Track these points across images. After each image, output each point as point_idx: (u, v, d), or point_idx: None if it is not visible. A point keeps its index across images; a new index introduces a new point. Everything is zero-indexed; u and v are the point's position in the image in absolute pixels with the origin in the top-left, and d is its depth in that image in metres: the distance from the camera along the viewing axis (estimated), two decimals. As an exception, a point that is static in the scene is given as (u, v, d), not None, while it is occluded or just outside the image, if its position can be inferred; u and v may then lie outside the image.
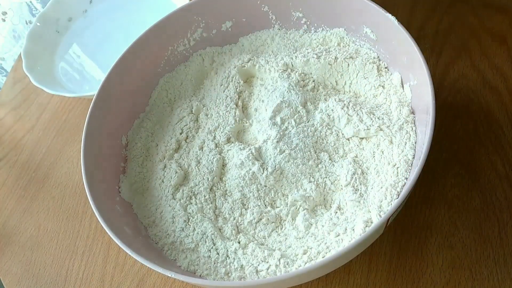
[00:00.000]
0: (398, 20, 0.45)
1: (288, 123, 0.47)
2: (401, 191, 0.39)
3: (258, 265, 0.40)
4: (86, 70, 0.70)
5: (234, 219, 0.44)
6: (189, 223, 0.44)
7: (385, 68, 0.49)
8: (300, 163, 0.44)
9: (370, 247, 0.42)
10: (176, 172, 0.47)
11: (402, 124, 0.44)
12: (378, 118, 0.45)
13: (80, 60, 0.72)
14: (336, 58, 0.50)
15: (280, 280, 0.35)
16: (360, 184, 0.42)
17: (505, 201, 0.44)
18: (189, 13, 0.55)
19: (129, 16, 0.75)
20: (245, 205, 0.44)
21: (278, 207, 0.44)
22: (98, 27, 0.75)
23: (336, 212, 0.42)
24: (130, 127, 0.52)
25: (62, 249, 0.51)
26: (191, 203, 0.45)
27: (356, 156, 0.45)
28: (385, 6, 0.46)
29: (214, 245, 0.42)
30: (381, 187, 0.41)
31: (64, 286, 0.49)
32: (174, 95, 0.55)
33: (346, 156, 0.45)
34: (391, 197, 0.39)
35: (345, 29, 0.53)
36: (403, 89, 0.47)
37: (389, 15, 0.46)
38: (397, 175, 0.40)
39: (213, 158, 0.47)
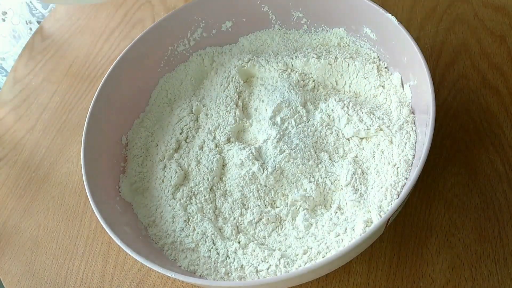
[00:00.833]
0: (398, 20, 0.45)
1: (288, 123, 0.47)
2: (401, 191, 0.39)
3: (258, 265, 0.40)
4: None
5: (234, 219, 0.44)
6: (189, 223, 0.44)
7: (385, 68, 0.49)
8: (300, 163, 0.44)
9: (370, 247, 0.42)
10: (176, 172, 0.47)
11: (402, 124, 0.44)
12: (378, 118, 0.45)
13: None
14: (336, 58, 0.50)
15: (280, 280, 0.35)
16: (360, 184, 0.42)
17: (505, 201, 0.44)
18: (189, 13, 0.55)
19: None
20: (245, 205, 0.44)
21: (278, 207, 0.44)
22: None
23: (336, 212, 0.42)
24: (130, 127, 0.52)
25: (62, 249, 0.51)
26: (191, 203, 0.45)
27: (356, 156, 0.45)
28: (385, 6, 0.46)
29: (214, 245, 0.42)
30: (381, 187, 0.41)
31: (64, 286, 0.49)
32: (174, 95, 0.55)
33: (346, 156, 0.45)
34: (391, 197, 0.39)
35: (345, 29, 0.53)
36: (403, 89, 0.47)
37: (389, 15, 0.46)
38: (397, 175, 0.40)
39: (213, 158, 0.47)
